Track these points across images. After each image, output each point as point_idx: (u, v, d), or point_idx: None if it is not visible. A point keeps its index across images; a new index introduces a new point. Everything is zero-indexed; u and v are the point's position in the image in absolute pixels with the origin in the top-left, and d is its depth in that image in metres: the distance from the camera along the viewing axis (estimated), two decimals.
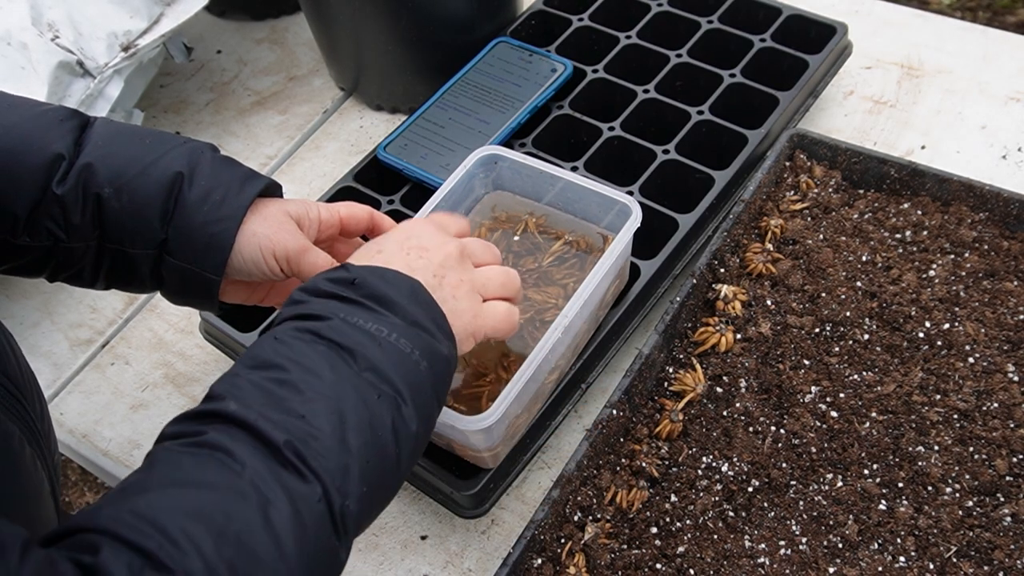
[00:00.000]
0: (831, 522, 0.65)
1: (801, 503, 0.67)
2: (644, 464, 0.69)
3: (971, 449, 0.67)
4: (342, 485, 0.44)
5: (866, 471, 0.67)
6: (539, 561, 0.65)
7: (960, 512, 0.64)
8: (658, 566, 0.65)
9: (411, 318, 0.51)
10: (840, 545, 0.64)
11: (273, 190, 0.65)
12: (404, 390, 0.48)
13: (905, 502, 0.66)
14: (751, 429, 0.70)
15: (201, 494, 0.41)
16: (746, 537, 0.66)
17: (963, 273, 0.76)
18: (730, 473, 0.68)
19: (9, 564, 0.36)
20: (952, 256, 0.78)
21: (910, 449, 0.67)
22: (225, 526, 0.40)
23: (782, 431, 0.70)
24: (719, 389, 0.72)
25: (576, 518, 0.67)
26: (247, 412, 0.44)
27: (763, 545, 0.65)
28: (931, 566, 0.63)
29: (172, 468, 0.43)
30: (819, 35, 0.94)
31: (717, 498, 0.67)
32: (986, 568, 0.62)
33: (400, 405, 0.48)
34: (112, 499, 0.42)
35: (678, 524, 0.66)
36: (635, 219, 0.69)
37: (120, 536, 0.39)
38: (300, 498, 0.43)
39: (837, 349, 0.73)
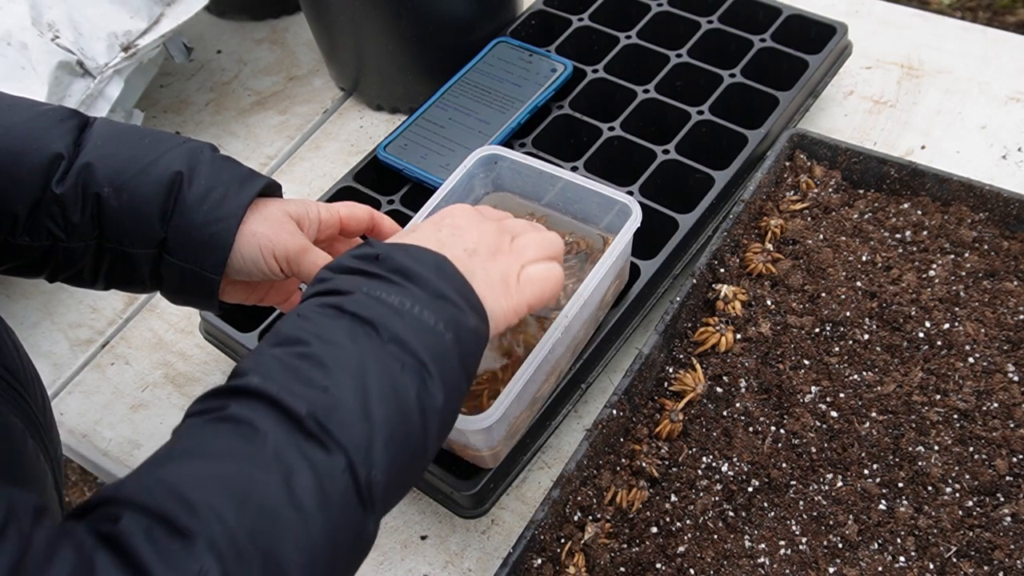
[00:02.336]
0: (831, 522, 0.65)
1: (801, 503, 0.67)
2: (644, 464, 0.69)
3: (971, 449, 0.67)
4: (367, 456, 0.43)
5: (866, 471, 0.67)
6: (539, 561, 0.65)
7: (960, 512, 0.64)
8: (658, 566, 0.65)
9: (436, 290, 0.49)
10: (840, 545, 0.64)
11: (273, 190, 0.65)
12: (429, 362, 0.47)
13: (905, 502, 0.66)
14: (751, 429, 0.70)
15: (223, 463, 0.41)
16: (746, 537, 0.66)
17: (963, 273, 0.76)
18: (730, 473, 0.68)
19: (22, 530, 0.36)
20: (952, 256, 0.78)
21: (910, 449, 0.67)
22: (247, 494, 0.40)
23: (782, 431, 0.70)
24: (719, 389, 0.72)
25: (576, 518, 0.67)
26: (269, 385, 0.44)
27: (763, 545, 0.65)
28: (931, 566, 0.63)
29: (194, 441, 0.43)
30: (819, 35, 0.94)
31: (717, 498, 0.67)
32: (986, 568, 0.62)
33: (425, 377, 0.47)
34: (135, 472, 0.42)
35: (678, 524, 0.66)
36: (635, 219, 0.69)
37: (140, 504, 0.39)
38: (323, 468, 0.42)
39: (837, 349, 0.73)
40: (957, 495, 0.65)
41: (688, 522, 0.66)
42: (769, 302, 0.76)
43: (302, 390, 0.44)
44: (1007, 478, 0.66)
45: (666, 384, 0.74)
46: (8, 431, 0.53)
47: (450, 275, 0.51)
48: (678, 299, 0.75)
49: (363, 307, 0.48)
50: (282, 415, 0.43)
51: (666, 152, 0.87)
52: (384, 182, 0.91)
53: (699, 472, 0.69)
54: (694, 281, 0.76)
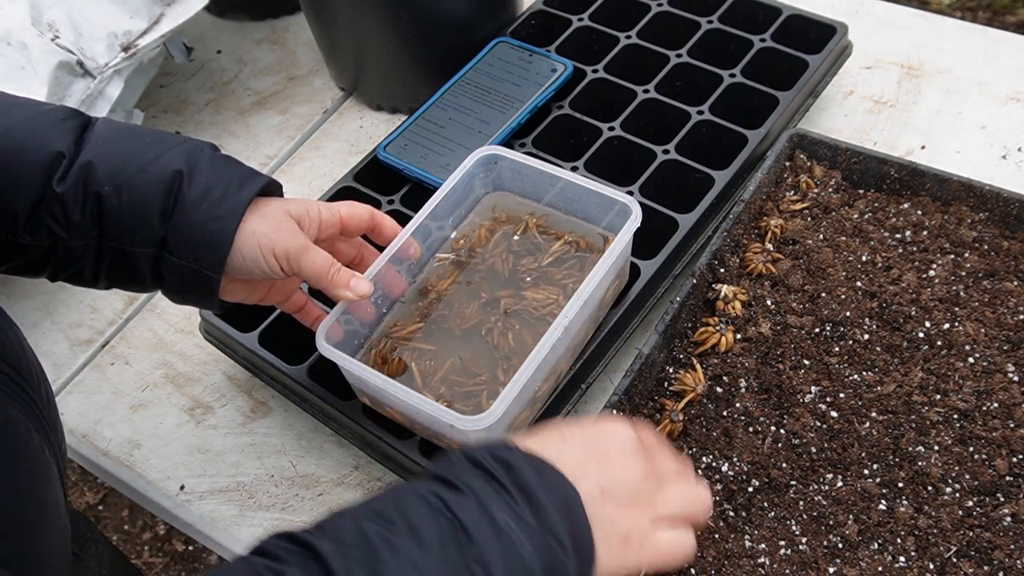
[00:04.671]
0: (831, 522, 0.65)
1: (801, 503, 0.67)
2: None
3: (971, 449, 0.67)
4: None
5: (866, 471, 0.67)
6: None
7: (960, 512, 0.64)
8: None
9: (549, 527, 0.46)
10: (840, 545, 0.64)
11: (273, 189, 0.65)
12: None
13: (905, 502, 0.66)
14: (751, 429, 0.70)
15: None
16: (746, 537, 0.66)
17: (963, 273, 0.76)
18: (730, 473, 0.68)
19: None
20: (952, 256, 0.78)
21: (910, 449, 0.67)
22: None
23: (782, 431, 0.70)
24: (719, 389, 0.72)
25: None
26: (334, 560, 0.42)
27: (763, 545, 0.65)
28: (931, 566, 0.63)
29: None
30: (819, 35, 0.94)
31: (717, 498, 0.67)
32: (986, 568, 0.62)
33: None
34: None
35: None
36: (635, 219, 0.69)
37: None
38: None
39: (837, 349, 0.73)
40: (957, 495, 0.65)
41: None
42: (769, 302, 0.76)
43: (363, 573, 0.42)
44: (1007, 478, 0.66)
45: (666, 384, 0.74)
46: (13, 426, 0.53)
47: (573, 516, 0.47)
48: (678, 299, 0.75)
49: (467, 514, 0.45)
50: None
51: (666, 152, 0.87)
52: (384, 182, 0.91)
53: (699, 472, 0.69)
54: (694, 281, 0.76)
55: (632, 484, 0.51)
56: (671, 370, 0.74)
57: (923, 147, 0.94)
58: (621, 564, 0.50)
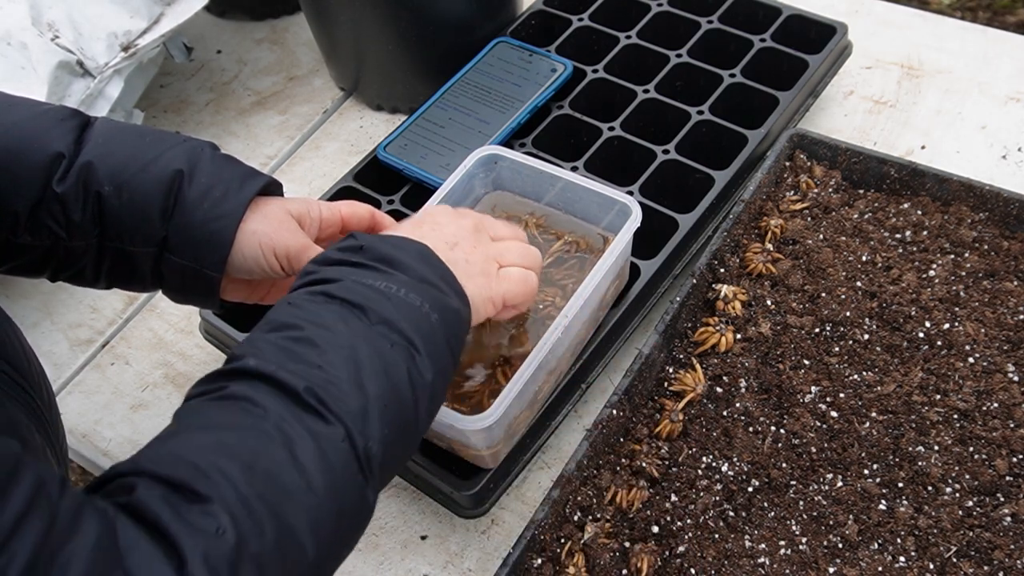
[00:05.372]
0: (831, 522, 0.65)
1: (801, 503, 0.67)
2: (644, 464, 0.69)
3: (971, 449, 0.67)
4: (363, 428, 0.45)
5: (866, 471, 0.67)
6: (539, 561, 0.65)
7: (960, 512, 0.64)
8: (658, 565, 0.65)
9: (419, 275, 0.52)
10: (840, 545, 0.64)
11: (274, 189, 0.65)
12: (417, 341, 0.49)
13: (905, 502, 0.66)
14: (751, 429, 0.70)
15: (228, 434, 0.43)
16: (746, 537, 0.66)
17: (963, 273, 0.76)
18: (730, 473, 0.68)
19: (51, 497, 0.38)
20: (952, 256, 0.78)
21: (910, 449, 0.67)
22: (253, 461, 0.42)
23: (782, 431, 0.70)
24: (719, 389, 0.72)
25: (576, 518, 0.67)
26: (266, 365, 0.45)
27: (763, 545, 0.65)
28: (931, 566, 0.63)
29: (197, 417, 0.45)
30: (819, 35, 0.94)
31: (717, 498, 0.67)
32: (986, 568, 0.62)
33: (414, 355, 0.49)
34: (143, 449, 0.44)
35: (678, 524, 0.66)
36: (635, 219, 0.69)
37: (153, 473, 0.41)
38: (324, 438, 0.44)
39: (837, 349, 0.73)
40: (957, 495, 0.65)
41: (688, 522, 0.66)
42: (769, 302, 0.76)
43: (298, 368, 0.45)
44: (1007, 478, 0.66)
45: (666, 384, 0.74)
46: (15, 427, 0.53)
47: (432, 262, 0.54)
48: (678, 299, 0.75)
49: (351, 292, 0.50)
50: (280, 391, 0.45)
51: (666, 152, 0.87)
52: (384, 182, 0.91)
53: (699, 472, 0.69)
54: (694, 281, 0.76)
55: (468, 235, 0.59)
56: (671, 370, 0.74)
57: (923, 147, 0.94)
58: (487, 295, 0.58)
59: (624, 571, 0.65)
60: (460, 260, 0.57)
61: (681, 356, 0.75)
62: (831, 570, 0.63)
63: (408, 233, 0.56)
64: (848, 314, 0.74)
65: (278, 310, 0.50)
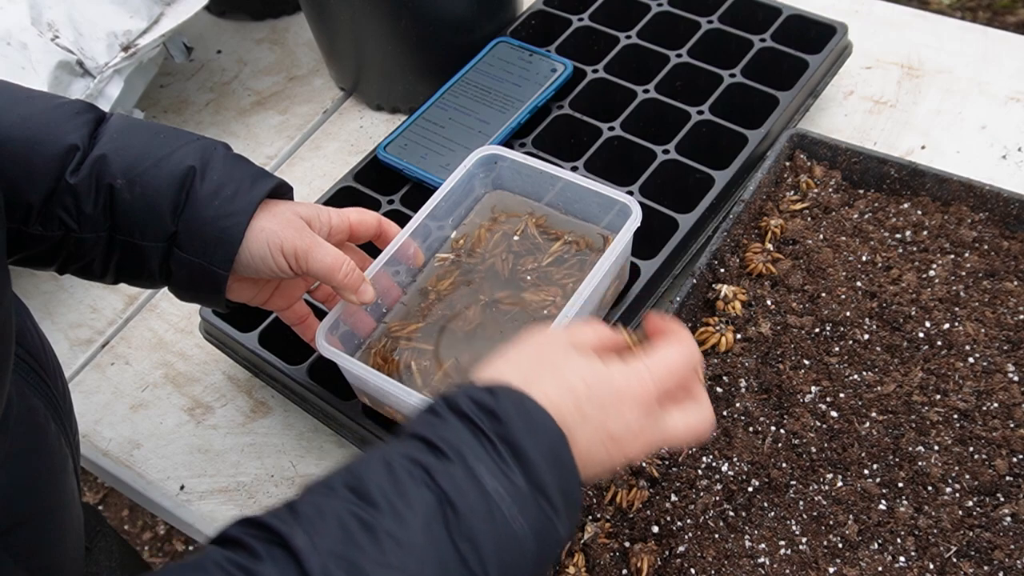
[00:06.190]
0: (831, 522, 0.65)
1: (801, 503, 0.67)
2: (644, 464, 0.69)
3: (971, 449, 0.67)
4: None
5: (866, 471, 0.67)
6: None
7: (960, 512, 0.64)
8: (658, 565, 0.65)
9: (539, 483, 0.44)
10: (840, 545, 0.64)
11: (284, 191, 0.66)
12: (495, 573, 0.42)
13: (905, 502, 0.66)
14: (751, 429, 0.70)
15: None
16: (746, 537, 0.66)
17: (963, 273, 0.76)
18: (730, 473, 0.68)
19: None
20: (952, 256, 0.78)
21: (910, 449, 0.67)
22: None
23: (782, 431, 0.70)
24: (719, 389, 0.72)
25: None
26: (311, 557, 0.39)
27: (763, 545, 0.65)
28: (931, 566, 0.63)
29: None
30: (819, 35, 0.94)
31: (717, 498, 0.67)
32: (986, 568, 0.62)
33: None
34: None
35: (678, 524, 0.66)
36: (635, 219, 0.69)
37: None
38: None
39: (837, 349, 0.73)
40: (957, 495, 0.65)
41: (688, 522, 0.66)
42: (769, 302, 0.76)
43: (342, 565, 0.39)
44: (1007, 478, 0.66)
45: None
46: (32, 414, 0.54)
47: (562, 466, 0.46)
48: (678, 299, 0.75)
49: (456, 487, 0.43)
50: None
51: (666, 152, 0.87)
52: (384, 182, 0.91)
53: (699, 472, 0.69)
54: (694, 281, 0.76)
55: (641, 417, 0.49)
56: None
57: (923, 147, 0.94)
58: (610, 468, 0.49)
59: (624, 571, 0.65)
60: (603, 459, 0.48)
61: None
62: (831, 570, 0.63)
63: (564, 397, 0.47)
64: (848, 314, 0.74)
65: (372, 466, 0.43)
